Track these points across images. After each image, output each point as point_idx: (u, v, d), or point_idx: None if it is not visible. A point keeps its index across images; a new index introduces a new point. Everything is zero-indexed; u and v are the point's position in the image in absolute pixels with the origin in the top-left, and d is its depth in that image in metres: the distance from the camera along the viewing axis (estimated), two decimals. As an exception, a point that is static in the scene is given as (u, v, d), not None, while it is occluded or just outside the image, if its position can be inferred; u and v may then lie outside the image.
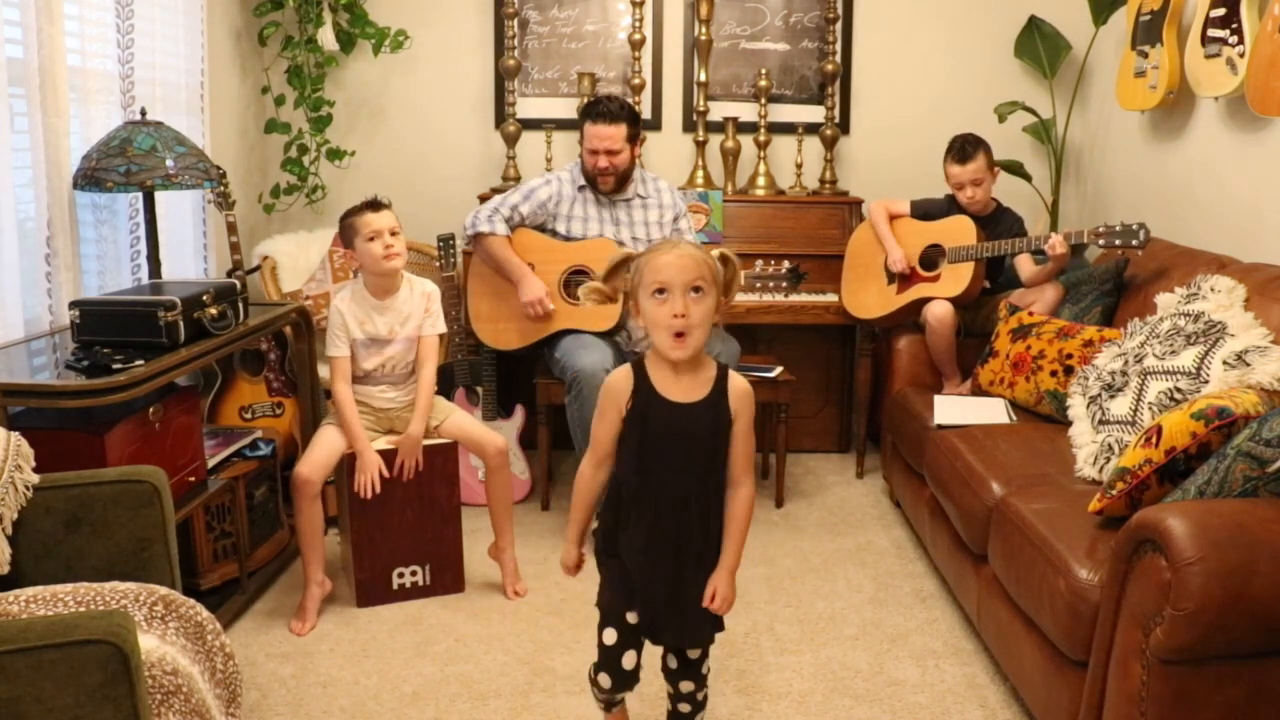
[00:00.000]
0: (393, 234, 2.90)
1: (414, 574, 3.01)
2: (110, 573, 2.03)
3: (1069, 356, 3.10)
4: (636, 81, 4.33)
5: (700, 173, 4.36)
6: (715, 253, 1.95)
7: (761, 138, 4.35)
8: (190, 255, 3.58)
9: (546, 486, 3.74)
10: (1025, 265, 3.66)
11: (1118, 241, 3.27)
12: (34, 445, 2.07)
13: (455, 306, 3.66)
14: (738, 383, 1.98)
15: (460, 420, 3.07)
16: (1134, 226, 3.24)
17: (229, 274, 3.54)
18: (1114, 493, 2.24)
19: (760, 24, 4.50)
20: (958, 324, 3.62)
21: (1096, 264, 3.72)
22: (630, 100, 4.19)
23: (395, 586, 3.00)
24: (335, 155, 4.32)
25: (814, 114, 4.47)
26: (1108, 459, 2.58)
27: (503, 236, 3.55)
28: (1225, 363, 2.47)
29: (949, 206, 3.80)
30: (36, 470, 2.05)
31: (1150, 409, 2.58)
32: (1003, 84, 4.47)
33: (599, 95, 3.81)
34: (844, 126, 4.53)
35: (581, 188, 3.64)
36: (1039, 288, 3.54)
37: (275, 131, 4.27)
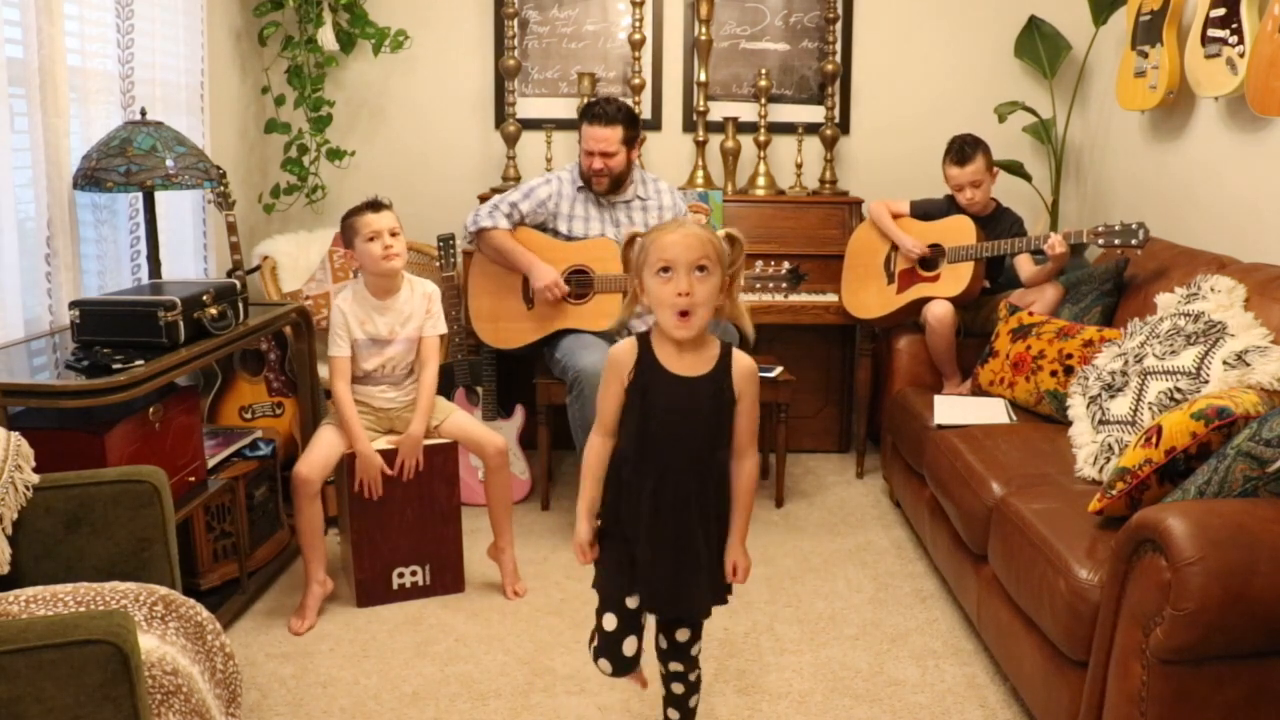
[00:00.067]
0: (393, 234, 2.90)
1: (414, 574, 3.01)
2: (110, 573, 2.03)
3: (1069, 356, 3.10)
4: (636, 81, 4.33)
5: (700, 173, 4.36)
6: (722, 232, 1.96)
7: (761, 138, 4.35)
8: (190, 255, 3.58)
9: (546, 486, 3.74)
10: (1025, 265, 3.66)
11: (1117, 241, 3.27)
12: (34, 445, 2.07)
13: (455, 306, 3.66)
14: (742, 361, 1.99)
15: (460, 420, 3.07)
16: (1133, 226, 3.25)
17: (229, 274, 3.55)
18: (1114, 493, 2.24)
19: (760, 24, 4.50)
20: (958, 324, 3.62)
21: (1096, 264, 3.72)
22: (630, 101, 4.19)
23: (395, 586, 3.00)
24: (335, 155, 4.32)
25: (814, 114, 4.47)
26: (1108, 459, 2.58)
27: (505, 230, 3.56)
28: (1225, 363, 2.47)
29: (949, 207, 3.80)
30: (36, 470, 2.05)
31: (1150, 409, 2.58)
32: (1003, 84, 4.47)
33: (598, 96, 3.81)
34: (844, 126, 4.53)
35: (581, 188, 3.64)
36: (1039, 288, 3.54)
37: (275, 131, 4.27)
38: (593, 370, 3.27)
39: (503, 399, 3.82)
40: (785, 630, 2.85)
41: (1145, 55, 3.59)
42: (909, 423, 3.42)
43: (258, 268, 3.93)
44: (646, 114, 4.43)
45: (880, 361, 4.00)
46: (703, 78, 4.34)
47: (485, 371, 3.75)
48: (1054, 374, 3.12)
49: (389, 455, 2.94)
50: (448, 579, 3.05)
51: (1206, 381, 2.48)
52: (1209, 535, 1.80)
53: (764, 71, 4.38)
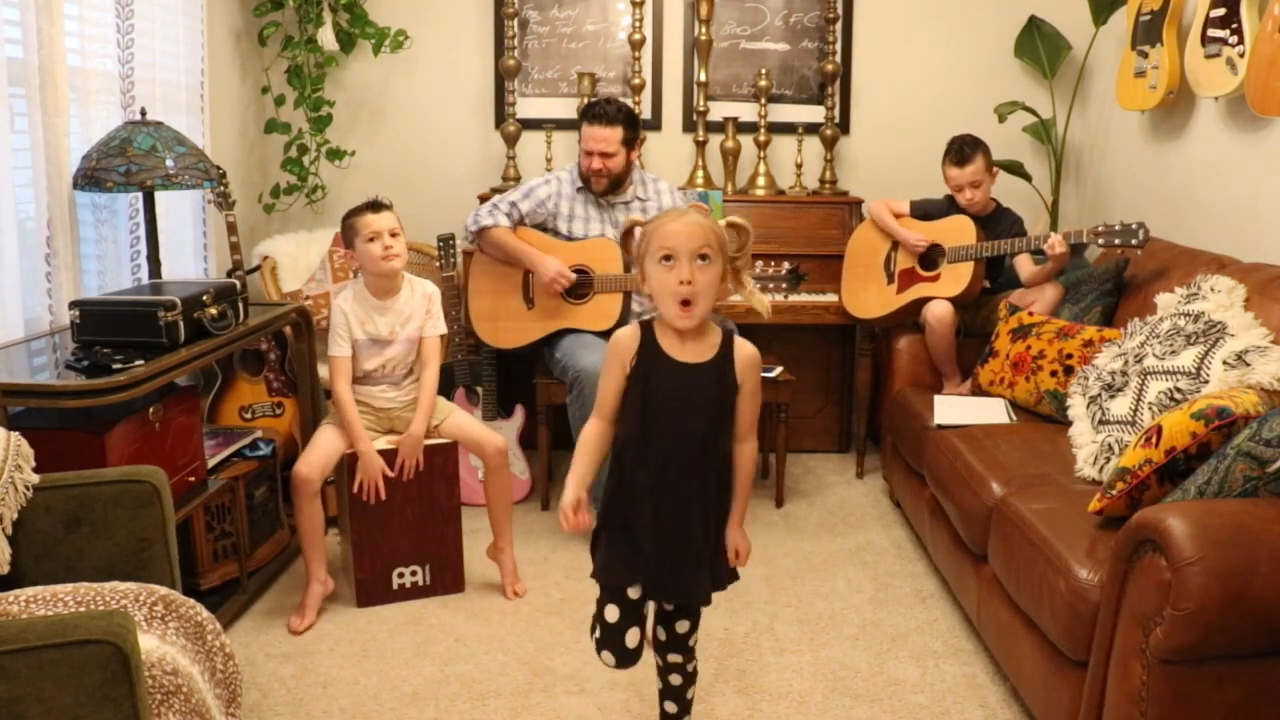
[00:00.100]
0: (393, 235, 2.90)
1: (414, 574, 3.01)
2: (110, 573, 2.03)
3: (1069, 356, 3.10)
4: (636, 81, 4.33)
5: (700, 173, 4.36)
6: (725, 220, 1.96)
7: (761, 138, 4.35)
8: (190, 255, 3.58)
9: (546, 486, 3.74)
10: (1025, 265, 3.66)
11: (1117, 241, 3.27)
12: (34, 445, 2.07)
13: (455, 306, 3.66)
14: (744, 348, 2.00)
15: (460, 420, 3.07)
16: (1133, 226, 3.25)
17: (229, 274, 3.55)
18: (1114, 493, 2.24)
19: (760, 24, 4.50)
20: (957, 324, 3.62)
21: (1096, 264, 3.72)
22: (630, 101, 4.19)
23: (395, 586, 3.00)
24: (335, 155, 4.32)
25: (814, 114, 4.47)
26: (1108, 459, 2.58)
27: (506, 227, 3.57)
28: (1225, 363, 2.47)
29: (948, 207, 3.80)
30: (36, 470, 2.05)
31: (1150, 409, 2.58)
32: (1003, 84, 4.47)
33: (599, 96, 3.81)
34: (844, 126, 4.53)
35: (580, 188, 3.64)
36: (1039, 288, 3.54)
37: (275, 131, 4.27)
38: (593, 370, 3.27)
39: (503, 399, 3.82)
40: (785, 630, 2.85)
41: (1145, 55, 3.59)
42: (909, 423, 3.42)
43: (258, 268, 3.93)
44: (646, 114, 4.43)
45: (880, 361, 4.00)
46: (703, 78, 4.34)
47: (485, 371, 3.75)
48: (1054, 374, 3.12)
49: (389, 455, 2.94)
50: (448, 579, 3.05)
51: (1206, 381, 2.48)
52: (1209, 535, 1.80)
53: (764, 71, 4.38)
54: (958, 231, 3.67)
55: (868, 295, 3.88)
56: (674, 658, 2.14)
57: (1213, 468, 2.03)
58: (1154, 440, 2.20)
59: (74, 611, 1.81)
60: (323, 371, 3.33)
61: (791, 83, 4.52)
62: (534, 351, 3.65)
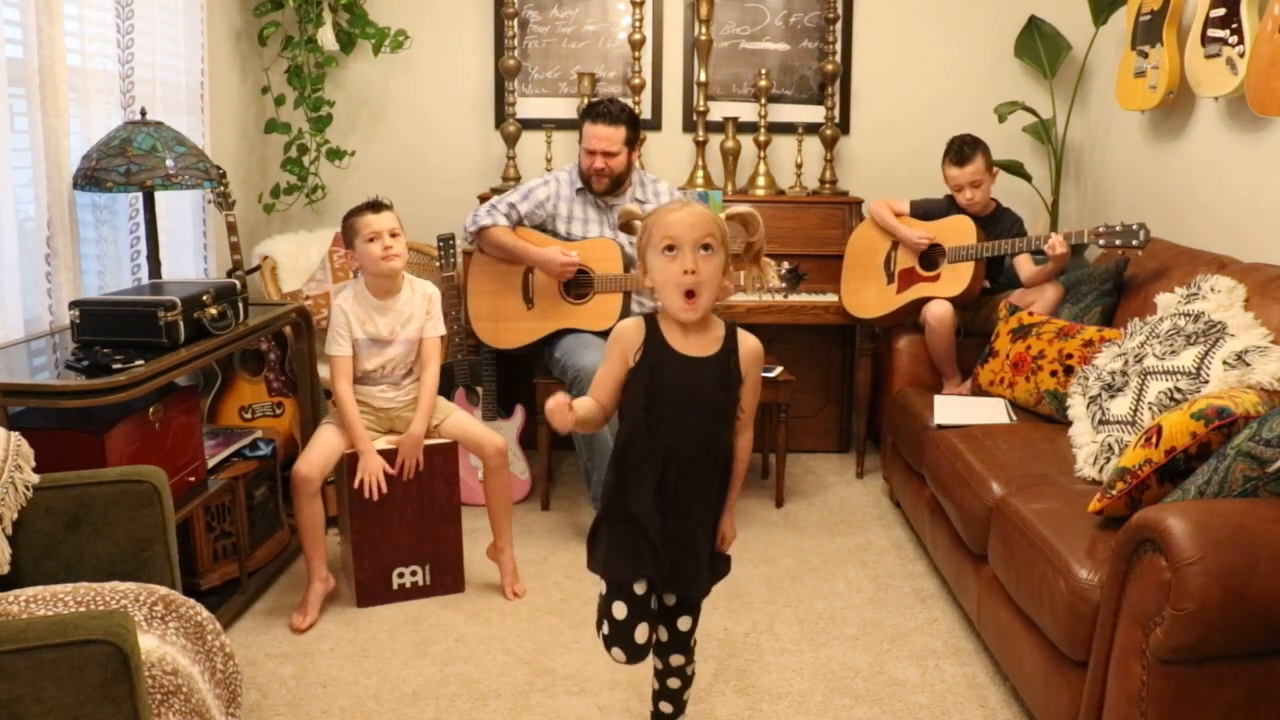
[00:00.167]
0: (393, 235, 2.91)
1: (414, 574, 3.01)
2: (110, 573, 2.03)
3: (1069, 356, 3.10)
4: (636, 81, 4.33)
5: (700, 173, 4.36)
6: (734, 210, 1.96)
7: (761, 138, 4.35)
8: (190, 255, 3.58)
9: (546, 486, 3.74)
10: (1025, 265, 3.66)
11: (1118, 242, 3.27)
12: (34, 445, 2.07)
13: (455, 306, 3.66)
14: (748, 341, 2.01)
15: (460, 420, 3.07)
16: (1134, 227, 3.25)
17: (229, 274, 3.55)
18: (1114, 493, 2.24)
19: (760, 24, 4.50)
20: (957, 324, 3.62)
21: (1096, 264, 3.72)
22: (630, 101, 4.19)
23: (395, 586, 3.00)
24: (335, 155, 4.32)
25: (814, 114, 4.47)
26: (1108, 459, 2.58)
27: (505, 226, 3.57)
28: (1225, 363, 2.47)
29: (949, 206, 3.80)
30: (36, 470, 2.05)
31: (1150, 409, 2.58)
32: (1003, 84, 4.47)
33: (601, 96, 3.80)
34: (844, 126, 4.53)
35: (580, 190, 3.64)
36: (1039, 288, 3.54)
37: (275, 131, 4.27)
38: (592, 370, 3.25)
39: (503, 399, 3.82)
40: (785, 630, 2.85)
41: (1145, 55, 3.59)
42: (909, 423, 3.42)
43: (258, 268, 3.93)
44: (646, 114, 4.43)
45: (880, 361, 4.00)
46: (703, 78, 4.34)
47: (485, 371, 3.75)
48: (1054, 374, 3.12)
49: (389, 455, 2.94)
50: (448, 579, 3.05)
51: (1206, 381, 2.48)
52: (1209, 535, 1.80)
53: (764, 71, 4.38)
54: (958, 231, 3.67)
55: (868, 295, 3.88)
56: (675, 659, 2.14)
57: (1213, 468, 2.03)
58: (1154, 440, 2.20)
59: (74, 611, 1.81)
60: (323, 371, 3.33)
61: (791, 83, 4.52)
62: (534, 351, 3.65)
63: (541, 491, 3.74)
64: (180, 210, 3.50)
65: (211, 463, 2.95)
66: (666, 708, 2.20)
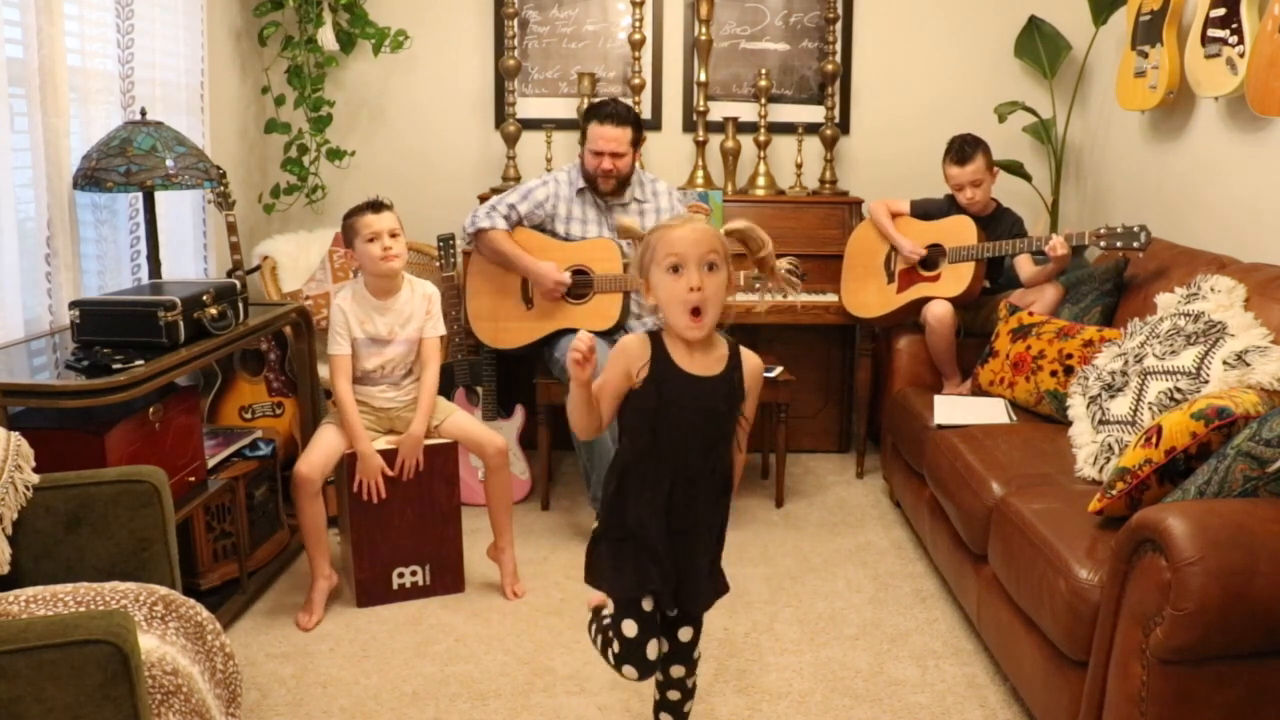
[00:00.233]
0: (392, 236, 2.90)
1: (414, 574, 3.01)
2: (110, 573, 2.03)
3: (1069, 356, 3.10)
4: (636, 81, 4.33)
5: (700, 173, 4.36)
6: (732, 227, 1.95)
7: (761, 138, 4.35)
8: (190, 255, 3.58)
9: (546, 487, 3.74)
10: (1025, 266, 3.66)
11: (1118, 243, 3.27)
12: (34, 445, 2.07)
13: (455, 306, 3.66)
14: (751, 360, 2.01)
15: (460, 420, 3.07)
16: (1135, 228, 3.24)
17: (229, 274, 3.55)
18: (1114, 493, 2.24)
19: (760, 24, 4.50)
20: (957, 324, 3.62)
21: (1097, 264, 3.72)
22: (630, 101, 4.19)
23: (395, 586, 3.00)
24: (335, 155, 4.32)
25: (814, 114, 4.47)
26: (1108, 459, 2.58)
27: (503, 230, 3.56)
28: (1225, 363, 2.47)
29: (949, 206, 3.80)
30: (36, 470, 2.05)
31: (1150, 409, 2.58)
32: (1003, 84, 4.47)
33: (603, 97, 3.79)
34: (844, 126, 4.53)
35: (580, 190, 3.63)
36: (1039, 288, 3.54)
37: (275, 131, 4.27)
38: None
39: (503, 399, 3.82)
40: (785, 630, 2.85)
41: (1145, 55, 3.59)
42: (909, 423, 3.42)
43: (258, 268, 3.93)
44: (646, 114, 4.43)
45: (880, 361, 4.00)
46: (703, 78, 4.34)
47: (485, 371, 3.75)
48: (1054, 374, 3.12)
49: (389, 455, 2.94)
50: (448, 579, 3.05)
51: (1206, 381, 2.48)
52: (1209, 535, 1.80)
53: (764, 71, 4.38)
54: (958, 231, 3.67)
55: (868, 295, 3.88)
56: (676, 670, 2.12)
57: (1213, 468, 2.03)
58: (1154, 440, 2.20)
59: (74, 611, 1.81)
60: (323, 371, 3.33)
61: (791, 83, 4.52)
62: (534, 351, 3.65)
63: (541, 492, 3.74)
64: (180, 210, 3.50)
65: (211, 463, 2.95)
66: (667, 718, 2.19)
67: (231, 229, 3.56)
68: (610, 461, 2.06)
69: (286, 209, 4.38)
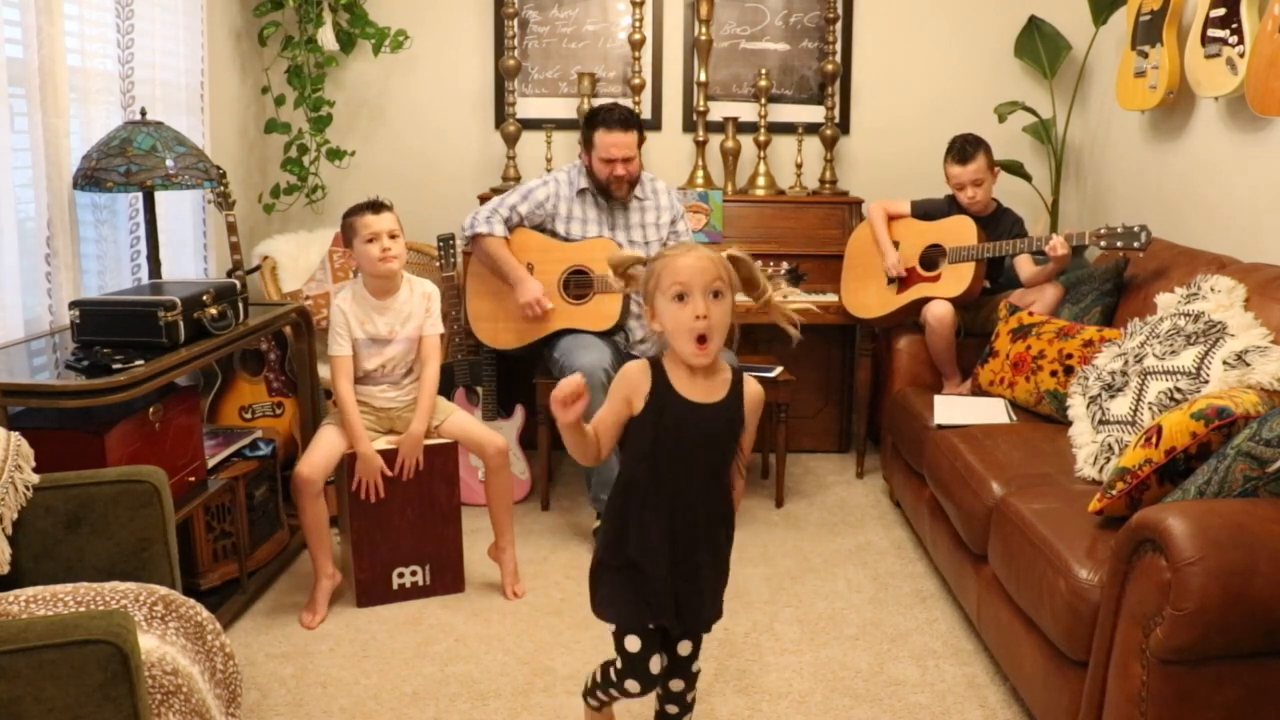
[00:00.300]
0: (391, 236, 2.90)
1: (414, 574, 3.01)
2: (110, 573, 2.03)
3: (1069, 356, 3.10)
4: (636, 81, 4.33)
5: (700, 173, 4.36)
6: (734, 255, 1.96)
7: (761, 138, 4.35)
8: (190, 255, 3.58)
9: (546, 487, 3.74)
10: (1025, 266, 3.66)
11: (1119, 244, 3.27)
12: (34, 445, 2.07)
13: (455, 306, 3.66)
14: (753, 387, 2.02)
15: (460, 420, 3.07)
16: (1135, 229, 3.24)
17: (229, 274, 3.55)
18: (1114, 493, 2.24)
19: (760, 24, 4.50)
20: (958, 324, 3.62)
21: (1097, 264, 3.72)
22: (630, 102, 4.19)
23: (395, 586, 3.00)
24: (335, 155, 4.32)
25: (814, 114, 4.47)
26: (1108, 459, 2.58)
27: (500, 237, 3.55)
28: (1225, 363, 2.47)
29: (949, 206, 3.80)
30: (36, 470, 2.05)
31: (1150, 409, 2.58)
32: (1003, 84, 4.47)
33: (603, 103, 3.77)
34: (844, 126, 4.53)
35: (581, 190, 3.63)
36: (1039, 288, 3.54)
37: (275, 131, 4.27)
38: (591, 370, 3.27)
39: (503, 399, 3.82)
40: (785, 630, 2.85)
41: (1145, 55, 3.59)
42: (909, 423, 3.42)
43: (258, 268, 3.93)
44: (646, 114, 4.43)
45: (880, 361, 4.00)
46: (703, 78, 4.34)
47: (485, 371, 3.75)
48: (1054, 374, 3.12)
49: (389, 455, 2.94)
50: (448, 579, 3.05)
51: (1206, 381, 2.48)
52: (1209, 535, 1.80)
53: (764, 71, 4.38)
54: (959, 232, 3.67)
55: (867, 295, 3.88)
56: (676, 684, 2.11)
57: (1213, 468, 2.03)
58: (1154, 440, 2.20)
59: (74, 611, 1.81)
60: (323, 371, 3.33)
61: (791, 83, 4.52)
62: (534, 351, 3.65)
63: (541, 492, 3.74)
64: (180, 210, 3.50)
65: (211, 463, 2.95)
66: None
67: (231, 229, 3.56)
68: (612, 474, 2.06)
69: (286, 209, 4.38)
